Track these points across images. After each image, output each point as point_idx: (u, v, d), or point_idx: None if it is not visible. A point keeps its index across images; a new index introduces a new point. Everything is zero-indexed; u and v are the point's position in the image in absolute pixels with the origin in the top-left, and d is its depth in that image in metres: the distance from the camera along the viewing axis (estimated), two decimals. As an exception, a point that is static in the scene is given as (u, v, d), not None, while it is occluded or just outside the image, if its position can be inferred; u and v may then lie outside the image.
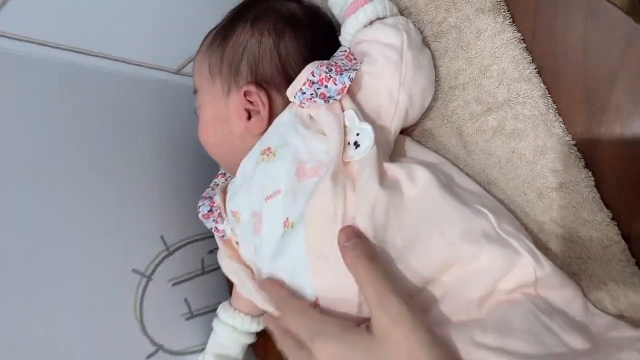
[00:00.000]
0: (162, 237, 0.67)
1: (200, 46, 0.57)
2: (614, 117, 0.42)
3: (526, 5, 0.46)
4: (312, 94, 0.45)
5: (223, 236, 0.56)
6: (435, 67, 0.50)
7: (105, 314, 0.57)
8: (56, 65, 0.59)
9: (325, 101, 0.45)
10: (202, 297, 0.70)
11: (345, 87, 0.45)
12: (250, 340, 0.62)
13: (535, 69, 0.45)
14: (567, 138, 0.43)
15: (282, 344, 0.43)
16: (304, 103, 0.46)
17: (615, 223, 0.41)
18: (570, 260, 0.43)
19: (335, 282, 0.41)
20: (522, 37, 0.46)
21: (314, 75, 0.46)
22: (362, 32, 0.49)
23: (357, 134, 0.44)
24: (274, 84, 0.52)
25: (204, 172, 0.68)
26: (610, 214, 0.42)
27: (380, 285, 0.37)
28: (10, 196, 0.51)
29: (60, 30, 0.56)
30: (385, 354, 0.35)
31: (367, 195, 0.41)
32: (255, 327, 0.61)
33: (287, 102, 0.51)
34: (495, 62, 0.47)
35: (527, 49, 0.46)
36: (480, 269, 0.39)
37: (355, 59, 0.50)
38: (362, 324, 0.39)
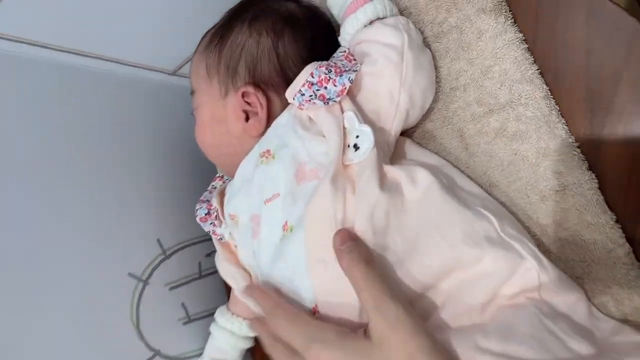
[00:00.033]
0: (158, 241, 0.66)
1: (198, 46, 0.57)
2: (618, 118, 0.42)
3: (527, 5, 0.46)
4: (311, 96, 0.45)
5: (221, 239, 0.55)
6: (436, 68, 0.50)
7: (100, 319, 0.56)
8: (49, 67, 0.58)
9: (324, 103, 0.45)
10: (199, 301, 0.69)
11: (345, 88, 0.44)
12: (249, 344, 0.62)
13: (538, 69, 0.45)
14: (570, 140, 0.43)
15: (273, 351, 0.42)
16: (303, 105, 0.45)
17: (619, 226, 0.41)
18: (574, 264, 0.43)
19: (335, 287, 0.40)
20: (523, 38, 0.46)
21: (313, 77, 0.45)
22: (362, 32, 0.48)
23: (357, 136, 0.43)
24: (272, 85, 0.51)
25: (201, 174, 0.67)
26: (614, 217, 0.41)
27: (378, 289, 0.36)
28: (4, 199, 0.50)
29: (54, 31, 0.56)
30: (384, 359, 0.34)
31: (367, 198, 0.40)
32: (253, 332, 0.60)
33: (285, 103, 0.50)
34: (497, 63, 0.46)
35: (528, 49, 0.45)
36: (482, 273, 0.38)
37: (354, 59, 0.49)
38: (359, 329, 0.38)
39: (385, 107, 0.46)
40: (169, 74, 0.74)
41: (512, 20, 0.46)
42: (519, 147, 0.45)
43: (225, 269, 0.54)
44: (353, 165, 0.43)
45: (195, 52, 0.57)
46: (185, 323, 0.67)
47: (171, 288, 0.66)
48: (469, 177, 0.48)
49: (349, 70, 0.45)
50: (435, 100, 0.50)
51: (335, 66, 0.46)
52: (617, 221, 0.41)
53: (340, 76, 0.44)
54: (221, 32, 0.54)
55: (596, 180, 0.42)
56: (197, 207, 0.57)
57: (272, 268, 0.45)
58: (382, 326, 0.35)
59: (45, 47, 0.56)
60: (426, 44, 0.50)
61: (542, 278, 0.38)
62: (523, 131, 0.45)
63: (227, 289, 0.68)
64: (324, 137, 0.45)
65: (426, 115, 0.51)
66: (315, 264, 0.41)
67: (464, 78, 0.48)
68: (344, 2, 0.50)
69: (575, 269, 0.42)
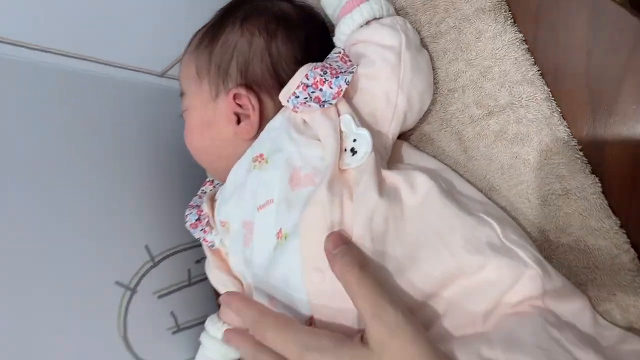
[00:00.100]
0: (146, 247, 0.64)
1: (187, 47, 0.55)
2: (621, 120, 0.41)
3: (527, 5, 0.45)
4: (306, 98, 0.43)
5: (212, 246, 0.53)
6: (434, 69, 0.49)
7: (86, 329, 0.54)
8: (31, 67, 0.56)
9: (320, 105, 0.43)
10: (189, 309, 0.67)
11: (342, 91, 0.43)
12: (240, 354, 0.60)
13: (538, 70, 0.44)
14: (573, 142, 0.42)
15: None
16: (298, 107, 0.44)
17: (624, 231, 0.40)
18: (577, 270, 0.41)
19: (332, 298, 0.39)
20: (523, 38, 0.45)
21: (308, 78, 0.43)
22: (358, 33, 0.47)
23: (354, 140, 0.42)
24: (265, 87, 0.50)
25: (191, 179, 0.65)
26: (619, 222, 0.40)
27: (374, 294, 0.35)
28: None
29: (37, 31, 0.54)
30: None
31: (365, 204, 0.39)
32: (246, 342, 0.58)
33: (278, 106, 0.49)
34: (497, 64, 0.45)
35: (528, 50, 0.44)
36: (485, 281, 0.37)
37: (350, 60, 0.48)
38: (356, 335, 0.36)
39: (382, 110, 0.45)
40: (157, 75, 0.72)
41: (512, 20, 0.45)
42: (520, 150, 0.44)
43: (216, 277, 0.52)
44: (350, 170, 0.41)
45: (184, 52, 0.55)
46: (174, 332, 0.64)
47: (160, 296, 0.64)
48: (468, 181, 0.46)
49: (345, 71, 0.44)
50: (432, 103, 0.49)
51: (331, 67, 0.44)
52: (621, 226, 0.40)
53: (336, 78, 0.43)
54: (212, 32, 0.52)
55: (599, 184, 0.41)
56: (187, 212, 0.55)
57: (265, 277, 0.44)
58: (381, 332, 0.34)
59: (29, 48, 0.54)
60: (423, 44, 0.49)
61: (546, 285, 0.37)
62: (524, 134, 0.44)
63: (218, 297, 0.65)
64: (319, 141, 0.43)
65: (423, 118, 0.50)
66: (311, 272, 0.39)
67: (462, 79, 0.47)
68: (339, 2, 0.49)
69: (578, 275, 0.41)
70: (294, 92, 0.44)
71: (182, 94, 0.54)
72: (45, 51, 0.56)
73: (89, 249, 0.57)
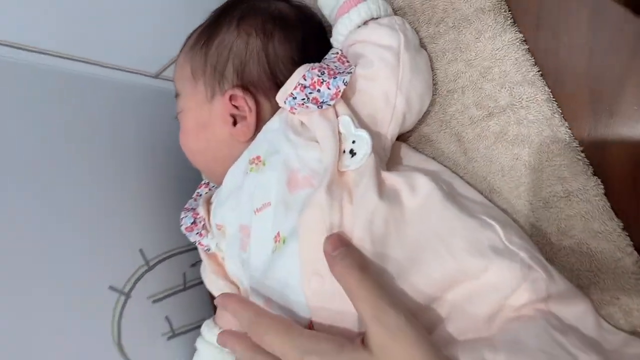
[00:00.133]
0: (141, 251, 0.63)
1: (183, 47, 0.54)
2: (623, 121, 0.40)
3: (528, 4, 0.44)
4: (303, 99, 0.43)
5: (208, 250, 0.53)
6: (432, 70, 0.48)
7: (79, 335, 0.53)
8: (24, 69, 0.55)
9: (318, 107, 0.42)
10: (184, 314, 0.66)
11: (340, 91, 0.42)
12: (237, 360, 0.59)
13: (539, 71, 0.43)
14: (574, 144, 0.41)
15: None
16: (296, 109, 0.43)
17: (627, 233, 0.39)
18: (580, 273, 0.41)
19: (331, 300, 0.38)
20: (524, 38, 0.44)
21: (305, 79, 0.43)
22: (356, 33, 0.46)
23: (353, 142, 0.41)
24: (261, 88, 0.49)
25: (186, 181, 0.64)
26: (621, 224, 0.40)
27: (375, 297, 0.34)
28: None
29: (30, 32, 0.53)
30: None
31: (365, 206, 0.38)
32: (242, 347, 0.57)
33: (275, 107, 0.48)
34: (496, 65, 0.45)
35: (529, 50, 0.44)
36: (488, 285, 0.36)
37: (348, 61, 0.47)
38: (357, 338, 0.36)
39: (381, 111, 0.44)
40: (151, 76, 0.71)
41: (512, 20, 0.45)
42: (521, 151, 0.43)
43: (212, 282, 0.51)
44: (349, 172, 0.40)
45: (179, 53, 0.54)
46: (169, 338, 0.63)
47: (154, 301, 0.63)
48: (468, 183, 0.46)
49: (343, 72, 0.43)
50: (431, 104, 0.48)
51: (329, 68, 0.44)
52: (624, 228, 0.39)
53: (334, 78, 0.42)
54: (208, 32, 0.51)
55: (602, 186, 0.40)
56: (182, 215, 0.54)
57: (262, 279, 0.43)
58: (383, 335, 0.33)
59: (20, 49, 0.53)
60: (422, 45, 0.49)
61: (549, 289, 0.36)
62: (525, 135, 0.43)
63: (214, 301, 0.65)
64: (317, 142, 0.43)
65: (422, 119, 0.49)
66: (310, 277, 0.38)
67: (462, 80, 0.47)
68: (336, 2, 0.48)
69: (581, 278, 0.41)
70: (291, 93, 0.43)
71: (177, 95, 0.54)
72: (40, 52, 0.55)
73: (82, 252, 0.55)
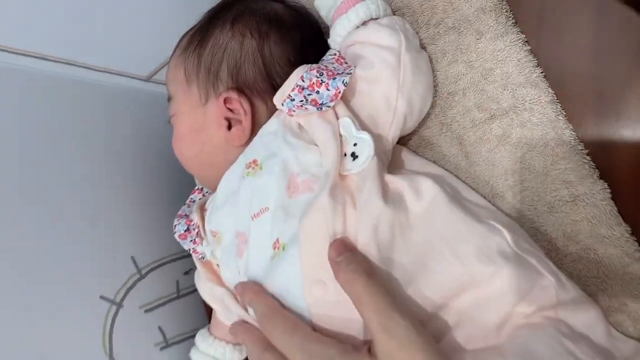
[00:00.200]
0: (132, 259, 0.61)
1: (175, 49, 0.52)
2: (629, 122, 0.39)
3: (529, 4, 0.43)
4: (302, 101, 0.41)
5: (202, 258, 0.51)
6: (433, 71, 0.47)
7: (70, 347, 0.51)
8: (13, 72, 0.53)
9: (317, 108, 0.41)
10: (177, 323, 0.64)
11: (340, 92, 0.41)
12: (233, 371, 0.57)
13: (542, 72, 0.42)
14: (580, 147, 0.40)
15: None
16: (294, 111, 0.42)
17: (635, 238, 0.38)
18: (587, 280, 0.40)
19: (334, 307, 0.37)
20: (526, 39, 0.43)
21: (303, 80, 0.41)
22: (355, 34, 0.45)
23: (355, 144, 0.40)
24: (257, 91, 0.48)
25: (179, 187, 0.63)
26: (629, 229, 0.39)
27: (382, 304, 0.33)
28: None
29: (18, 35, 0.52)
30: None
31: (369, 212, 0.37)
32: (238, 357, 0.55)
33: (271, 110, 0.47)
34: (498, 66, 0.44)
35: (531, 51, 0.43)
36: (497, 292, 0.35)
37: (346, 62, 0.46)
38: (363, 346, 0.34)
39: (382, 113, 0.43)
40: (143, 80, 0.70)
41: (514, 20, 0.44)
42: (524, 155, 0.42)
43: (207, 291, 0.50)
44: (351, 175, 0.39)
45: (172, 55, 0.53)
46: (162, 348, 0.62)
47: (147, 310, 0.61)
48: (470, 187, 0.45)
49: (342, 73, 0.42)
50: (432, 106, 0.47)
51: (327, 69, 0.42)
52: (632, 233, 0.38)
53: (334, 79, 0.41)
54: (201, 34, 0.50)
55: (609, 190, 0.39)
56: (176, 222, 0.52)
57: (261, 284, 0.41)
58: (390, 344, 0.32)
59: (6, 52, 0.52)
60: (421, 46, 0.48)
61: (560, 296, 0.35)
62: (528, 138, 0.42)
63: (208, 310, 0.64)
64: (316, 145, 0.41)
65: (423, 122, 0.48)
66: (312, 285, 0.37)
67: (462, 82, 0.45)
68: (334, 2, 0.47)
69: (588, 285, 0.40)
70: (289, 95, 0.41)
71: (169, 99, 0.52)
72: (28, 56, 0.54)
73: (72, 261, 0.54)
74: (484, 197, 0.44)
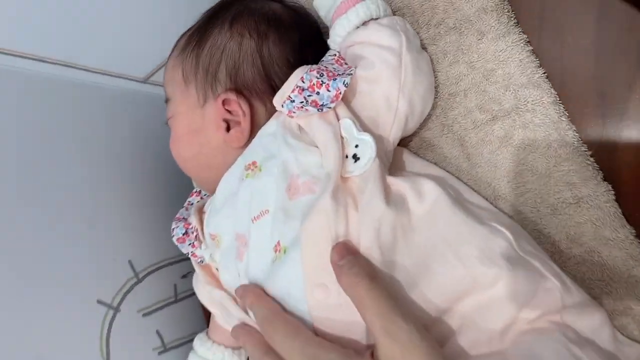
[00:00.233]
0: (130, 263, 0.61)
1: (173, 50, 0.52)
2: (633, 123, 0.39)
3: (531, 4, 0.43)
4: (302, 102, 0.41)
5: (201, 261, 0.50)
6: (434, 72, 0.46)
7: (66, 352, 0.50)
8: (11, 74, 0.53)
9: (318, 109, 0.40)
10: (175, 327, 0.63)
11: (340, 93, 0.40)
12: (232, 376, 0.56)
13: (544, 73, 0.42)
14: (583, 148, 0.40)
15: None
16: (294, 112, 0.41)
17: (639, 241, 0.38)
18: (591, 283, 0.39)
19: (336, 311, 0.36)
20: (528, 40, 0.43)
21: (303, 81, 0.41)
22: (355, 34, 0.44)
23: (356, 146, 0.39)
24: (255, 92, 0.47)
25: (177, 189, 0.62)
26: (633, 231, 0.38)
27: (386, 309, 0.32)
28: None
29: (16, 37, 0.51)
30: None
31: (371, 214, 0.36)
32: (237, 361, 0.55)
33: (270, 111, 0.46)
34: (500, 67, 0.43)
35: (533, 51, 0.42)
36: (501, 295, 0.35)
37: (346, 63, 0.45)
38: (366, 351, 0.34)
39: (382, 114, 0.42)
40: (140, 81, 0.69)
41: (515, 20, 0.43)
42: (527, 156, 0.42)
43: (206, 294, 0.49)
44: (353, 177, 0.39)
45: (169, 56, 0.52)
46: (160, 353, 0.61)
47: (144, 314, 0.60)
48: (472, 189, 0.44)
49: (342, 74, 0.41)
50: (433, 107, 0.47)
51: (327, 70, 0.42)
52: (636, 236, 0.38)
53: (334, 80, 0.40)
54: (199, 34, 0.49)
55: (612, 192, 0.39)
56: (174, 225, 0.52)
57: (261, 287, 0.41)
58: (393, 348, 0.31)
59: (5, 54, 0.51)
60: (422, 47, 0.47)
61: (565, 299, 0.35)
62: (531, 139, 0.42)
63: (206, 314, 0.63)
64: (317, 147, 0.41)
65: (423, 123, 0.47)
66: (313, 289, 0.36)
67: (464, 83, 0.45)
68: (333, 2, 0.47)
69: (592, 288, 0.39)
70: (289, 96, 0.41)
71: (167, 100, 0.51)
72: (24, 57, 0.53)
73: (68, 265, 0.53)
74: (486, 199, 0.43)
